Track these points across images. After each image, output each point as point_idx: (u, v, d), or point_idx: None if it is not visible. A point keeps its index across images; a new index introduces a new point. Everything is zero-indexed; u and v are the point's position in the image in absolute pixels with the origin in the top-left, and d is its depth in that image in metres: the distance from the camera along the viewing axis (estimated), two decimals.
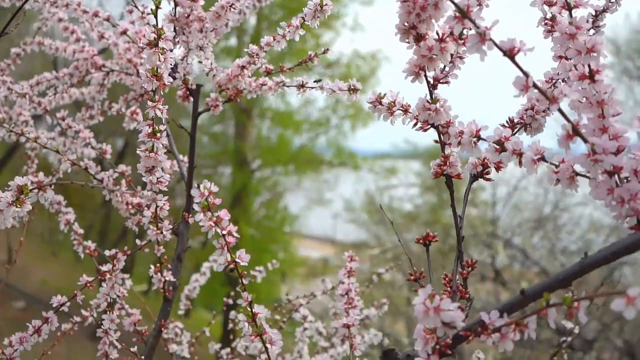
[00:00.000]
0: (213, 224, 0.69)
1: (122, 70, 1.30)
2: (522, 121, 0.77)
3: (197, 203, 0.68)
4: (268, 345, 0.72)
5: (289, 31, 0.98)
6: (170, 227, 1.00)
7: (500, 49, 0.57)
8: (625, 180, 0.58)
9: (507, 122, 0.77)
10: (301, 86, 1.03)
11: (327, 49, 1.11)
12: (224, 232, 0.69)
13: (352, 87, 0.94)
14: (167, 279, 1.06)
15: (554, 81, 0.77)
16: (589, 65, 0.60)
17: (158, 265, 1.06)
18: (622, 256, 0.55)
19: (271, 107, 11.91)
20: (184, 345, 1.40)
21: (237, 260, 0.70)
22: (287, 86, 1.05)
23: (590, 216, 7.52)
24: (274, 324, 1.42)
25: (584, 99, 0.61)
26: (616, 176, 0.59)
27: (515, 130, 0.77)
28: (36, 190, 0.72)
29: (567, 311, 0.51)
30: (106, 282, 0.98)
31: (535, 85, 0.56)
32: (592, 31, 0.79)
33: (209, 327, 1.50)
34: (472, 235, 6.71)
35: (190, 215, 1.03)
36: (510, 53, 0.57)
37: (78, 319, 1.22)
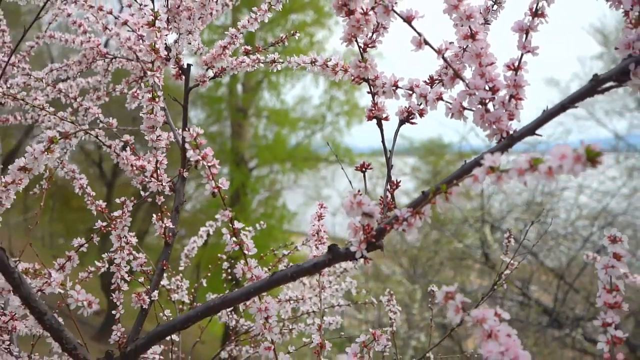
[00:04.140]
0: (201, 158, 0.91)
1: (124, 57, 1.52)
2: (439, 78, 0.98)
3: (187, 142, 0.90)
4: (245, 252, 0.94)
5: (259, 14, 1.21)
6: (169, 180, 1.22)
7: (401, 17, 0.79)
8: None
9: (428, 78, 0.99)
10: (273, 62, 1.25)
11: (296, 31, 1.34)
12: (210, 164, 0.91)
13: (313, 60, 1.15)
14: (167, 225, 1.28)
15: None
16: (470, 27, 0.82)
17: (159, 214, 1.27)
18: None
19: (267, 105, 12.14)
20: (183, 291, 1.62)
21: (220, 185, 0.92)
22: (262, 62, 1.27)
23: (580, 204, 7.78)
24: None
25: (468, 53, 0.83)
26: (491, 106, 0.81)
27: (435, 85, 0.98)
28: (63, 140, 0.93)
29: (444, 196, 0.73)
30: (117, 225, 1.20)
31: (425, 42, 0.78)
32: (495, 6, 1.01)
33: (206, 279, 1.72)
34: (464, 222, 6.92)
35: (185, 170, 1.25)
36: (408, 19, 0.79)
37: (92, 268, 1.43)
